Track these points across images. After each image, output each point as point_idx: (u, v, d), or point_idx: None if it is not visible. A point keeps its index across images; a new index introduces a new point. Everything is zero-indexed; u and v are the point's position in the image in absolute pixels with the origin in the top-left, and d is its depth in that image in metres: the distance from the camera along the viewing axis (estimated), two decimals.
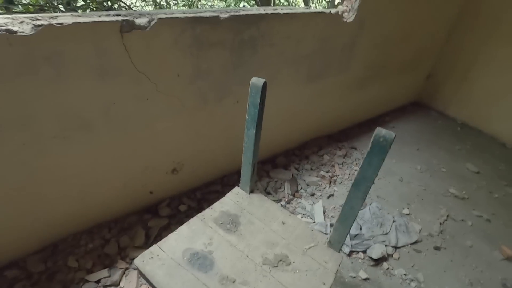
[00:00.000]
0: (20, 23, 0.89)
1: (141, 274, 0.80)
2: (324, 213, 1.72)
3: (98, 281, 1.27)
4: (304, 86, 1.89)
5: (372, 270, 1.48)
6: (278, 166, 2.03)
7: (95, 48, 1.03)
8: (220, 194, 1.75)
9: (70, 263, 1.30)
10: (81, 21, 0.96)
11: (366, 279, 1.42)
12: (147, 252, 0.82)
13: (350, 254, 1.53)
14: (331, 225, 1.64)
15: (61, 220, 1.33)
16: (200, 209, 1.63)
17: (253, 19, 1.36)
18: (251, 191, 1.06)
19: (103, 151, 1.27)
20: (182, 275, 0.76)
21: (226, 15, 1.26)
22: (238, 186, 1.11)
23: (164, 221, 1.54)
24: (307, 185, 1.92)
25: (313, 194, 1.86)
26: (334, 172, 2.07)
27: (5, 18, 0.89)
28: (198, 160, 1.65)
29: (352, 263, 1.49)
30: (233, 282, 0.76)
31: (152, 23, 1.10)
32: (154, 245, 0.84)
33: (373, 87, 2.46)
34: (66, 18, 0.96)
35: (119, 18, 1.04)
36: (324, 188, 1.93)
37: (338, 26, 1.76)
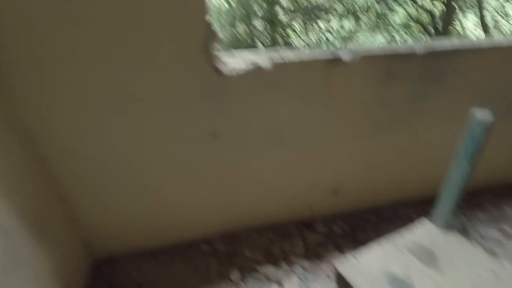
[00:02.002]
0: (264, 60, 1.19)
1: (338, 279, 0.88)
2: None
3: (265, 275, 1.46)
4: (501, 122, 1.65)
5: None
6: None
7: (306, 78, 1.25)
8: (375, 226, 1.71)
9: (245, 251, 1.55)
10: (303, 59, 1.20)
11: None
12: (346, 261, 0.90)
13: None
14: None
15: (241, 215, 1.61)
16: (354, 235, 1.65)
17: (447, 54, 1.33)
18: (446, 228, 1.01)
19: (285, 163, 1.48)
20: None
21: (422, 51, 1.29)
22: (426, 217, 1.07)
23: (320, 238, 1.63)
24: (482, 236, 1.63)
25: (492, 252, 1.56)
26: None
27: (254, 55, 1.21)
28: (358, 185, 1.69)
29: None
30: None
31: (354, 59, 1.25)
32: (351, 256, 0.92)
33: None
34: (292, 56, 1.22)
35: (329, 55, 1.23)
36: (508, 248, 1.59)
37: None
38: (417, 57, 1.31)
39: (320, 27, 4.18)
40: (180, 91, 1.17)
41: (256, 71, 1.19)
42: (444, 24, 3.66)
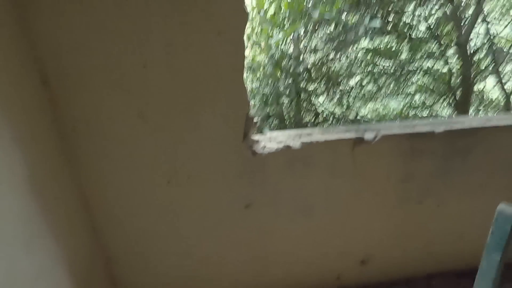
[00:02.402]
0: (293, 140, 1.35)
1: None
2: None
3: None
4: None
5: None
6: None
7: (332, 155, 1.38)
8: None
9: None
10: (329, 139, 1.34)
11: None
12: None
13: None
14: None
15: (270, 284, 1.63)
16: None
17: (466, 132, 1.42)
18: None
19: (314, 233, 1.54)
20: None
21: (441, 130, 1.40)
22: None
23: None
24: None
25: None
26: None
27: (284, 135, 1.38)
28: (388, 256, 1.67)
29: None
30: None
31: (376, 138, 1.37)
32: None
33: None
34: (318, 136, 1.37)
35: (353, 135, 1.37)
36: None
37: None
38: (437, 135, 1.41)
39: (342, 90, 4.47)
40: (221, 168, 1.33)
41: (286, 149, 1.34)
42: (463, 90, 3.78)
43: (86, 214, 1.30)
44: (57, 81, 1.10)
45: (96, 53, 1.08)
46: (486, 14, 3.93)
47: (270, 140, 1.37)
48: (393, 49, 4.56)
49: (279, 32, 3.52)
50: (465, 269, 1.56)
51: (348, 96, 4.76)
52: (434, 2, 3.85)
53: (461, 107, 4.02)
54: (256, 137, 1.36)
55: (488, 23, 3.98)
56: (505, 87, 4.17)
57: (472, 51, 4.00)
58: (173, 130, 1.23)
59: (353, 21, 3.40)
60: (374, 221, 1.57)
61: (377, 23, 3.15)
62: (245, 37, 1.12)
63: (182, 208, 1.39)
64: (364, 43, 4.44)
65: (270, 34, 3.65)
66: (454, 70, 4.16)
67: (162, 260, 1.49)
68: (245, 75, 1.19)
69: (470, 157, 1.48)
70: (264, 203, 1.44)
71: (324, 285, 1.70)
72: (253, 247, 1.50)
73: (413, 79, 4.64)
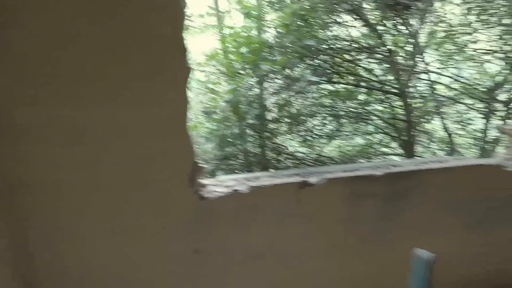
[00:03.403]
0: (241, 184, 1.36)
1: None
2: None
3: None
4: (466, 236, 1.73)
5: None
6: None
7: (279, 199, 1.40)
8: None
9: None
10: (276, 182, 1.37)
11: None
12: None
13: None
14: None
15: None
16: None
17: (405, 175, 1.53)
18: None
19: (267, 280, 1.49)
20: None
21: (381, 173, 1.48)
22: None
23: None
24: None
25: None
26: None
27: (233, 180, 1.38)
28: None
29: None
30: None
31: (321, 182, 1.42)
32: None
33: None
34: (265, 181, 1.39)
35: (299, 179, 1.41)
36: None
37: (500, 175, 1.67)
38: (378, 178, 1.50)
39: (305, 129, 4.72)
40: (168, 215, 1.30)
41: (235, 194, 1.34)
42: (408, 132, 4.21)
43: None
44: None
45: None
46: (426, 64, 4.51)
47: (218, 185, 1.37)
48: (351, 92, 5.01)
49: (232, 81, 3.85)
50: None
51: (312, 135, 5.00)
52: (380, 55, 4.37)
53: (409, 146, 4.41)
54: (204, 181, 1.35)
55: (428, 71, 4.56)
56: (449, 127, 4.69)
57: (413, 97, 4.52)
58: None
59: (296, 74, 3.85)
60: (326, 265, 1.56)
61: (315, 78, 3.57)
62: (187, 92, 1.18)
63: (129, 259, 1.32)
64: (325, 85, 4.84)
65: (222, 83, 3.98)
66: (398, 114, 4.64)
67: None
68: (188, 124, 1.23)
69: (409, 199, 1.58)
70: (214, 249, 1.39)
71: None
72: None
73: (370, 120, 5.03)
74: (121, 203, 1.26)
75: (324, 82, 4.37)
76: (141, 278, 1.35)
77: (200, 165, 1.29)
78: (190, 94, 1.20)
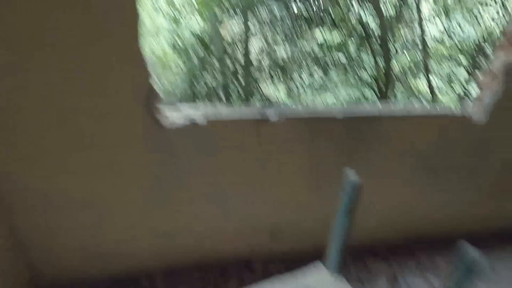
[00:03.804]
0: (201, 116, 1.36)
1: None
2: None
3: None
4: (418, 183, 1.84)
5: None
6: (379, 257, 1.92)
7: (238, 131, 1.42)
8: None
9: None
10: (234, 116, 1.38)
11: None
12: None
13: None
14: None
15: (182, 253, 1.67)
16: None
17: (365, 119, 1.55)
18: (335, 272, 1.12)
19: (225, 206, 1.59)
20: None
21: (341, 116, 1.50)
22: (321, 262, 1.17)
23: (256, 278, 1.68)
24: (408, 285, 1.72)
25: None
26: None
27: (193, 109, 1.39)
28: (295, 229, 1.78)
29: None
30: None
31: (280, 118, 1.44)
32: None
33: None
34: (225, 113, 1.40)
35: (258, 115, 1.42)
36: None
37: (465, 127, 1.71)
38: (337, 120, 1.52)
39: (293, 79, 4.62)
40: (128, 143, 1.33)
41: (193, 125, 1.36)
42: (388, 83, 4.17)
43: None
44: None
45: None
46: (420, 16, 4.30)
47: (178, 115, 1.38)
48: (342, 43, 4.81)
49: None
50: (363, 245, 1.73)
51: (300, 86, 4.92)
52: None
53: (385, 97, 4.45)
54: (163, 110, 1.35)
55: (418, 22, 4.37)
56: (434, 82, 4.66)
57: (395, 48, 4.41)
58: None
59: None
60: (282, 196, 1.65)
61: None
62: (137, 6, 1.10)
63: (93, 177, 1.38)
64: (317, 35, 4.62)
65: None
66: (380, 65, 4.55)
67: (73, 235, 1.47)
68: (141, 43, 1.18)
69: (368, 143, 1.63)
70: (174, 176, 1.46)
71: (236, 257, 1.77)
72: (165, 217, 1.53)
73: (359, 72, 4.94)
74: (78, 127, 1.27)
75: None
76: (104, 201, 1.43)
77: (157, 90, 1.28)
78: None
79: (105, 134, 1.30)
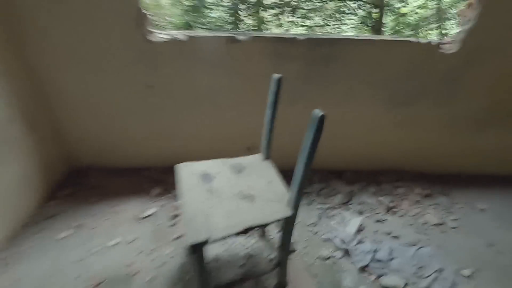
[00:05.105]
0: (181, 34, 1.69)
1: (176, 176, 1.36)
2: (360, 231, 1.74)
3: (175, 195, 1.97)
4: (384, 111, 1.95)
5: None
6: (343, 180, 2.15)
7: (212, 50, 1.73)
8: None
9: (169, 180, 2.08)
10: (209, 35, 1.68)
11: None
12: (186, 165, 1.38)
13: (363, 269, 1.52)
14: (358, 242, 1.66)
15: (174, 155, 2.14)
16: None
17: (326, 41, 1.70)
18: (266, 158, 1.43)
19: (206, 118, 1.97)
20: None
21: (304, 37, 1.68)
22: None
23: None
24: (360, 204, 1.95)
25: (361, 213, 1.89)
26: (400, 206, 1.96)
27: (175, 31, 1.73)
28: None
29: (358, 277, 1.49)
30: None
31: (247, 39, 1.69)
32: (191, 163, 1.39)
33: (497, 135, 2.06)
34: (201, 33, 1.70)
35: (228, 34, 1.69)
36: (377, 213, 1.89)
37: (434, 57, 1.75)
38: (300, 42, 1.70)
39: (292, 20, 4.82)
40: (121, 53, 1.73)
41: (176, 41, 1.70)
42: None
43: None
44: None
45: None
46: None
47: (163, 33, 1.73)
48: None
49: None
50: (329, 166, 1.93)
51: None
52: None
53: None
54: (150, 28, 1.71)
55: None
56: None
57: None
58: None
59: None
60: (256, 115, 1.95)
61: None
62: None
63: (101, 86, 1.85)
64: None
65: None
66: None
67: (96, 123, 1.99)
68: None
69: (331, 66, 1.79)
70: (162, 86, 1.85)
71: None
72: (160, 121, 1.97)
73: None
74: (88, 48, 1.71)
75: None
76: (107, 103, 1.90)
77: (144, 13, 1.63)
78: None
79: (104, 48, 1.72)
